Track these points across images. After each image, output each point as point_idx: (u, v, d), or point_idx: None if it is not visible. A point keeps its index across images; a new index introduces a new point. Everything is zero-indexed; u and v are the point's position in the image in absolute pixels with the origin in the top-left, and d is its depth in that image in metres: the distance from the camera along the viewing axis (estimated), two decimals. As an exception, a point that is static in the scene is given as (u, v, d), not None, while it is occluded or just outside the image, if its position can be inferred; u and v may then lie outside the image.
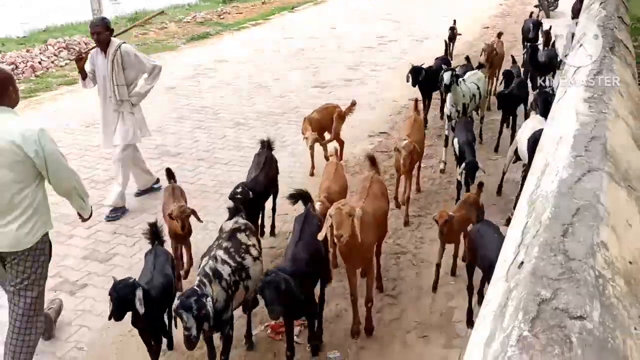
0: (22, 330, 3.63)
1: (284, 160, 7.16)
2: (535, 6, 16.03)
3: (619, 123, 3.31)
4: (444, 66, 7.43)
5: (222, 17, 16.83)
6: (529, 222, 2.36)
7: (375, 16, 16.35)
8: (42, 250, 3.66)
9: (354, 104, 7.13)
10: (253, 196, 4.82)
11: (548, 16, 15.17)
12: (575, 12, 11.02)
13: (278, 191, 5.62)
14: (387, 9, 17.26)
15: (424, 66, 7.89)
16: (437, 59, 8.74)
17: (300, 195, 4.47)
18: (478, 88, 7.05)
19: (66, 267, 5.07)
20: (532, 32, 10.24)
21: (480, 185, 5.15)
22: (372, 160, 5.12)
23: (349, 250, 4.00)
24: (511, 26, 14.70)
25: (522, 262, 2.09)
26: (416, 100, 6.90)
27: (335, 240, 3.89)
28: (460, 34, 13.60)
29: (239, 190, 4.80)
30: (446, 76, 6.51)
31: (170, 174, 5.34)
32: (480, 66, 7.94)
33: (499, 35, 9.71)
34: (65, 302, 4.61)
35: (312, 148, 6.73)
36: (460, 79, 6.83)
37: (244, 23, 15.98)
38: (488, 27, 14.75)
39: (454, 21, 11.18)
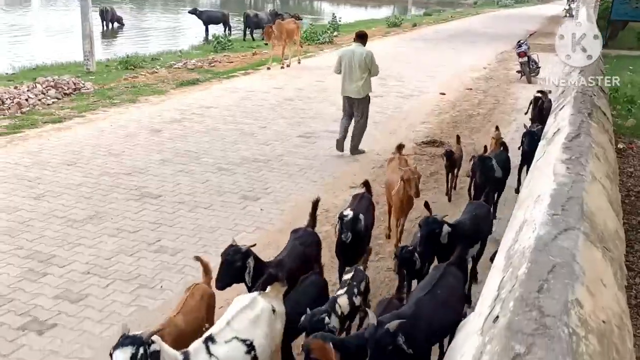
0: (361, 127, 9.37)
1: (266, 208, 7.17)
2: (518, 72, 16.50)
3: (595, 185, 3.38)
4: None
5: (212, 65, 17.04)
6: (506, 277, 2.38)
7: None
8: (368, 99, 9.28)
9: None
10: None
11: (530, 82, 15.61)
12: (534, 118, 9.22)
13: None
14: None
15: None
16: None
17: None
18: None
19: (36, 306, 4.94)
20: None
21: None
22: (206, 268, 4.22)
23: None
24: (493, 89, 15.08)
25: (497, 317, 2.09)
26: None
27: None
28: (444, 94, 14.04)
29: None
30: None
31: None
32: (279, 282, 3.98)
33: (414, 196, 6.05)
34: (32, 342, 4.49)
35: None
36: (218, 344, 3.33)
37: (233, 72, 16.20)
38: (471, 89, 15.10)
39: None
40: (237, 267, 4.03)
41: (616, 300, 2.43)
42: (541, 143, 4.58)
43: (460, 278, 4.05)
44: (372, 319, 3.29)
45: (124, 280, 5.42)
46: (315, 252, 4.75)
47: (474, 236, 4.87)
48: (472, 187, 7.16)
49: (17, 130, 9.87)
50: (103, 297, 5.12)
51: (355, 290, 4.13)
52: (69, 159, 8.55)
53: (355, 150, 9.42)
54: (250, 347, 3.35)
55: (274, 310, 3.58)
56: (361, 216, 4.84)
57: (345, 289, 4.12)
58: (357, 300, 4.08)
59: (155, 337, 3.03)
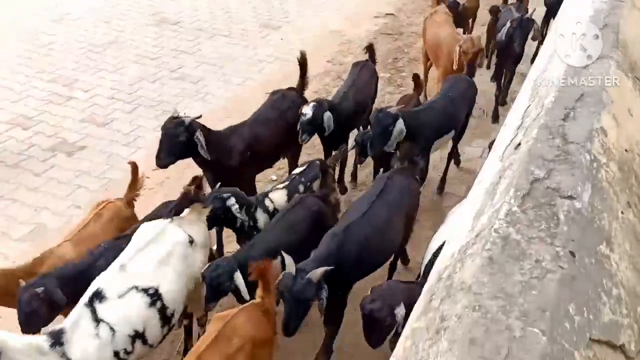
0: None
1: (286, 37, 6.99)
2: None
3: (634, 13, 3.20)
4: None
5: None
6: (531, 106, 2.34)
7: None
8: None
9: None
10: None
11: None
12: None
13: None
14: None
15: None
16: None
17: None
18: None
19: (64, 129, 5.07)
20: None
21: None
22: (135, 179, 3.46)
23: None
24: None
25: (519, 144, 2.10)
26: None
27: None
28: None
29: None
30: None
31: None
32: None
33: None
34: (63, 162, 4.67)
35: None
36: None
37: None
38: None
39: None
40: (179, 142, 3.43)
41: (641, 131, 2.41)
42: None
43: (407, 189, 3.41)
44: (289, 264, 2.76)
45: (147, 106, 5.48)
46: (293, 117, 3.95)
47: (442, 126, 4.12)
48: (491, 52, 6.00)
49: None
50: (129, 122, 5.23)
51: (301, 188, 3.52)
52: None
53: None
54: (155, 296, 2.53)
55: (191, 242, 2.75)
56: (326, 115, 3.87)
57: (286, 183, 3.56)
58: None
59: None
